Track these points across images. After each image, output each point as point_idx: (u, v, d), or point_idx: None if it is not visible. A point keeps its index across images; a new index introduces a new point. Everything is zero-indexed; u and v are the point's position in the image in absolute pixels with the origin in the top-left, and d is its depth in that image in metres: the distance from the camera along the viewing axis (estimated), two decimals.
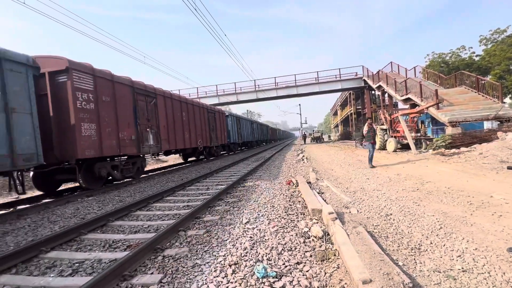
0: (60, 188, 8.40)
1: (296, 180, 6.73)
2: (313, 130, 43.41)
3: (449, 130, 13.06)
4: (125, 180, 9.02)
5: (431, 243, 3.03)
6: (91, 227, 4.10)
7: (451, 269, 2.46)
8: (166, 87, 12.58)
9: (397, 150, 13.84)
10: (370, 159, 9.12)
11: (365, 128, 9.46)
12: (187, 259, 2.89)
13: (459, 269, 2.44)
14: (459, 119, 13.14)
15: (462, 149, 10.48)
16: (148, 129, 9.71)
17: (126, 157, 9.02)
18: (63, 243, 3.59)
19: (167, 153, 12.54)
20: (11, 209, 6.30)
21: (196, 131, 14.08)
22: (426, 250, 2.88)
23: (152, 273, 2.62)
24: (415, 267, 2.55)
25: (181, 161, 17.33)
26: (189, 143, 13.14)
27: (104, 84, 7.81)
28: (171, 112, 11.54)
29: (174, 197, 6.21)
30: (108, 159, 8.30)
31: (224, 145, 19.60)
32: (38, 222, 4.80)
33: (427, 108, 13.31)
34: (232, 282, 2.40)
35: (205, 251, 3.08)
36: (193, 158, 16.98)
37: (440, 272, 2.43)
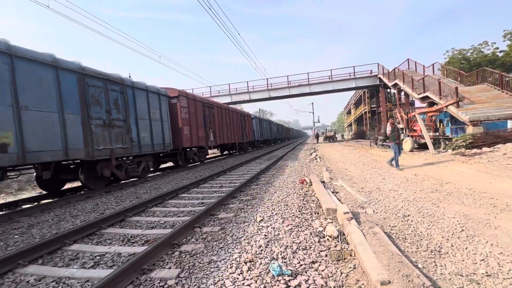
0: (162, 166, 13.12)
1: (310, 179, 6.68)
2: (326, 129, 42.77)
3: (470, 130, 12.54)
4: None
5: (452, 245, 2.93)
6: (110, 222, 4.24)
7: (474, 273, 2.38)
8: (181, 87, 13.83)
9: (413, 150, 13.44)
10: (397, 161, 8.39)
11: (388, 128, 8.78)
12: (203, 255, 2.94)
13: (483, 274, 2.35)
14: (481, 118, 12.58)
15: (484, 149, 10.04)
16: (210, 130, 14.37)
17: (197, 148, 13.26)
18: (85, 237, 3.74)
19: (218, 146, 17.17)
20: (35, 203, 6.62)
21: (234, 130, 18.66)
22: (447, 252, 2.79)
23: (169, 268, 2.69)
24: (435, 270, 2.47)
25: (218, 154, 22.07)
26: (231, 139, 17.85)
27: (191, 102, 12.33)
28: (220, 118, 16.10)
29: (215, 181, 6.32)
30: (192, 148, 12.68)
31: (250, 141, 24.23)
32: (61, 216, 5.02)
33: (446, 106, 12.84)
34: (248, 279, 2.42)
35: (220, 248, 3.12)
36: (226, 152, 21.26)
37: (462, 276, 2.35)
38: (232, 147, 19.51)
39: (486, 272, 2.36)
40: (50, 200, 6.70)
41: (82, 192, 7.60)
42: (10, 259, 2.87)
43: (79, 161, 7.07)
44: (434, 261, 2.64)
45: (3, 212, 5.63)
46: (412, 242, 3.11)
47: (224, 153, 21.27)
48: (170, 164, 13.66)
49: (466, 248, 2.85)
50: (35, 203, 6.52)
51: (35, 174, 6.56)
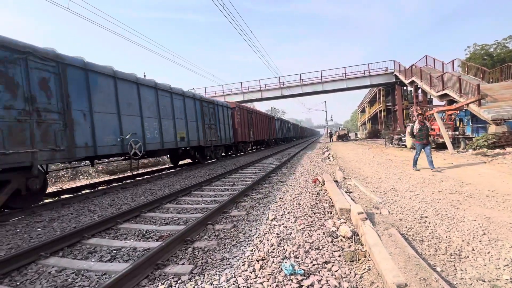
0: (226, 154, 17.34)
1: (323, 178, 6.59)
2: (339, 128, 41.99)
3: (492, 129, 11.95)
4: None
5: (473, 249, 2.81)
6: (126, 217, 4.36)
7: (497, 279, 2.27)
8: (193, 85, 14.61)
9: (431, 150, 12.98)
10: (415, 161, 7.84)
11: (416, 125, 7.96)
12: (216, 252, 2.97)
13: (507, 280, 2.24)
14: (505, 116, 11.96)
15: (508, 149, 9.56)
16: (250, 129, 19.37)
17: (243, 142, 18.26)
18: (102, 231, 3.87)
19: (255, 141, 22.10)
20: (56, 198, 6.91)
21: (264, 130, 23.70)
22: (468, 256, 2.68)
23: (183, 264, 2.73)
24: (455, 274, 2.38)
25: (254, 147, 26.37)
26: (263, 136, 23.22)
27: (240, 111, 17.38)
28: (256, 120, 21.37)
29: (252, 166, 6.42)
30: (240, 142, 17.58)
31: (274, 138, 29.39)
32: (80, 210, 5.21)
33: (467, 104, 12.32)
34: (260, 277, 2.42)
35: (233, 245, 3.14)
36: (254, 148, 25.20)
37: (484, 281, 2.25)
38: (262, 142, 25.46)
39: (511, 278, 2.25)
40: (70, 195, 6.97)
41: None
42: (33, 250, 3.01)
43: (194, 146, 11.88)
44: (454, 265, 2.53)
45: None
46: (430, 244, 3.00)
47: (259, 147, 26.37)
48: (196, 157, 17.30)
49: (489, 252, 2.72)
50: (56, 198, 6.80)
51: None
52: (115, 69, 7.52)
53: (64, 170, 11.26)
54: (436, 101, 20.82)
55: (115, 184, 8.27)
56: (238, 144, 17.48)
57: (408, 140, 15.28)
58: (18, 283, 2.58)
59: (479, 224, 3.43)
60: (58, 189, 8.22)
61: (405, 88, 28.78)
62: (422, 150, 7.84)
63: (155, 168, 13.76)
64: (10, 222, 4.67)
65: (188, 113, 11.05)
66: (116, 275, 2.23)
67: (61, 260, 2.99)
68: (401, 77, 25.68)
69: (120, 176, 10.79)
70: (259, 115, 22.54)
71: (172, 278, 2.46)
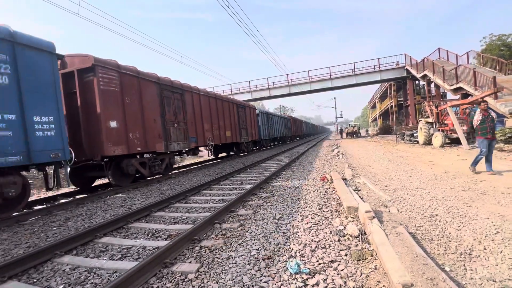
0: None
1: (331, 177, 6.54)
2: (349, 124, 41.31)
3: (510, 122, 11.51)
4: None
5: (484, 248, 2.73)
6: (137, 217, 4.47)
7: (509, 279, 2.20)
8: (200, 85, 14.64)
9: (444, 146, 12.63)
10: (477, 161, 6.27)
11: (477, 117, 6.27)
12: (222, 251, 3.01)
13: None
14: None
15: None
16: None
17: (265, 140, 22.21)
18: (113, 230, 3.99)
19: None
20: (71, 198, 7.16)
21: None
22: (479, 256, 2.61)
23: (190, 262, 2.79)
24: (464, 274, 2.33)
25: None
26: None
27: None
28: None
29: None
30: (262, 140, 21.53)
31: (290, 136, 33.13)
32: (93, 210, 5.38)
33: (482, 98, 11.86)
34: (265, 276, 2.44)
35: (239, 244, 3.17)
36: (272, 144, 27.75)
37: (495, 281, 2.19)
38: (280, 139, 29.47)
39: None
40: (84, 195, 7.20)
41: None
42: (49, 249, 3.14)
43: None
44: (464, 265, 2.48)
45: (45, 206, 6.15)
46: (439, 243, 2.94)
47: (276, 143, 29.20)
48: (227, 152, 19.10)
49: (501, 251, 2.64)
50: (71, 198, 7.04)
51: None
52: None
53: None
54: (450, 95, 20.19)
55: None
56: (262, 140, 21.08)
57: (421, 136, 14.94)
58: (34, 280, 2.70)
59: (492, 222, 3.33)
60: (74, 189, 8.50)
61: (417, 82, 28.02)
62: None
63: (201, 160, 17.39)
64: (28, 221, 4.88)
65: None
66: (125, 273, 2.30)
67: (74, 258, 3.11)
68: (413, 71, 25.01)
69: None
70: (276, 117, 26.88)
71: (179, 276, 2.52)
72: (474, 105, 13.53)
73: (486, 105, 6.40)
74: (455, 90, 17.19)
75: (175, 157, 11.09)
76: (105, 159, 7.23)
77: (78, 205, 5.93)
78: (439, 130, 13.53)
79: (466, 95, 16.07)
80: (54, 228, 4.37)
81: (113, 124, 7.06)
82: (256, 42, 15.10)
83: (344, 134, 36.57)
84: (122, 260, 3.00)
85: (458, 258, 2.60)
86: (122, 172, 7.62)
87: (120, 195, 6.77)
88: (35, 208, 6.00)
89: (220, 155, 17.21)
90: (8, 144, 4.67)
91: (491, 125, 6.16)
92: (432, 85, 23.83)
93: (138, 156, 8.18)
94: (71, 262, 2.99)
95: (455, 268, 2.43)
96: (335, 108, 47.65)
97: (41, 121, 5.18)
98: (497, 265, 2.43)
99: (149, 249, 3.21)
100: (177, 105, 9.93)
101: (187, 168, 11.77)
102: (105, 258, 3.07)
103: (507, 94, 13.01)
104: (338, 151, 14.05)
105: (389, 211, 4.06)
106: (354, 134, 34.95)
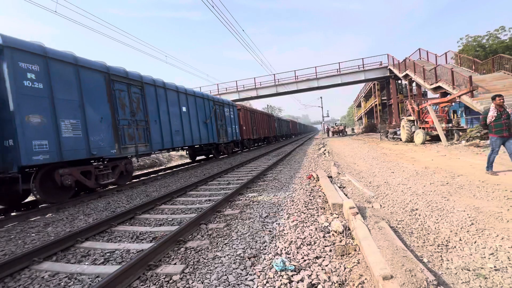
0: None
1: (317, 174, 6.64)
2: (335, 124, 42.05)
3: None
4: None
5: (460, 239, 2.86)
6: (121, 220, 4.37)
7: (482, 268, 2.32)
8: (186, 85, 14.36)
9: (425, 142, 13.10)
10: (491, 162, 5.67)
11: (492, 113, 5.60)
12: (208, 251, 3.00)
13: (491, 268, 2.29)
14: None
15: None
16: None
17: (247, 140, 20.49)
18: (96, 234, 3.88)
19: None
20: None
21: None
22: (455, 247, 2.73)
23: (175, 264, 2.76)
24: (441, 265, 2.43)
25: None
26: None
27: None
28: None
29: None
30: (245, 140, 19.94)
31: (274, 136, 31.45)
32: (75, 214, 5.21)
33: (459, 96, 12.41)
34: (251, 274, 2.45)
35: (225, 244, 3.17)
36: (256, 144, 26.87)
37: (469, 270, 2.30)
38: (264, 139, 27.97)
39: (495, 267, 2.30)
40: (15, 213, 6.52)
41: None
42: (26, 256, 3.01)
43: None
44: (441, 256, 2.59)
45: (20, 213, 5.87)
46: (418, 236, 3.05)
47: (260, 144, 28.33)
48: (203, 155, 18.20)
49: (475, 242, 2.78)
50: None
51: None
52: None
53: None
54: (430, 94, 20.95)
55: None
56: (244, 141, 19.39)
57: (403, 134, 15.43)
58: None
59: (467, 214, 3.49)
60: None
61: (399, 81, 28.90)
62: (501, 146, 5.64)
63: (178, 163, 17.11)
64: (5, 228, 4.66)
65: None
66: (107, 277, 2.25)
67: (54, 265, 3.00)
68: (395, 71, 25.77)
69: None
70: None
71: (164, 278, 2.49)
72: (453, 103, 14.14)
73: (502, 100, 5.56)
74: (435, 89, 17.87)
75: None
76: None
77: (59, 210, 5.72)
78: (420, 128, 14.02)
79: (445, 93, 16.75)
80: (32, 235, 4.19)
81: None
82: (242, 42, 15.09)
83: (330, 133, 37.17)
84: (104, 264, 2.93)
85: (435, 250, 2.71)
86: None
87: (103, 198, 6.58)
88: (12, 214, 5.72)
89: (198, 158, 16.00)
90: None
91: (507, 122, 5.48)
92: (414, 84, 24.66)
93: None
94: (50, 269, 2.88)
95: (432, 259, 2.54)
96: (322, 107, 48.34)
97: None
98: (471, 254, 2.55)
99: (133, 252, 3.15)
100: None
101: (163, 173, 11.60)
102: (86, 263, 2.99)
103: (482, 93, 13.66)
104: (325, 150, 14.27)
105: (372, 206, 4.18)
106: (340, 133, 35.61)
